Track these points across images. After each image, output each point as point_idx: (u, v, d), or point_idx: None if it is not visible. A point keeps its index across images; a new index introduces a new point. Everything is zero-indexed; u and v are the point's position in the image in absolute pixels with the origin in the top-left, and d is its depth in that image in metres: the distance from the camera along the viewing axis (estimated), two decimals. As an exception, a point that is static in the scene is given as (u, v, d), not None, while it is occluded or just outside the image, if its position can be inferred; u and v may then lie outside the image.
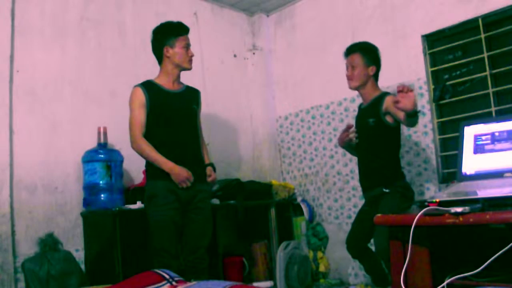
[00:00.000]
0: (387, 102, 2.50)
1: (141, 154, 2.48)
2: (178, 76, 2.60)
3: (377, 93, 2.65)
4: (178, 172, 2.41)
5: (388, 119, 2.55)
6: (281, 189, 3.85)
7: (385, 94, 2.60)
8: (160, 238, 2.42)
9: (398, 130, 2.62)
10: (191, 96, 2.64)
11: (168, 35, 2.53)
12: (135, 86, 2.53)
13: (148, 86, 2.52)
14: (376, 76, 2.69)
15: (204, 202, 2.56)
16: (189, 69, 2.59)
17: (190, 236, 2.50)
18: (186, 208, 2.49)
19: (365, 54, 2.65)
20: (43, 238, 2.72)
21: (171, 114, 2.51)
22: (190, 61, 2.58)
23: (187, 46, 2.55)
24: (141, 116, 2.47)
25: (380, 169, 2.60)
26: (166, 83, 2.55)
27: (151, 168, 2.50)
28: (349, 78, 2.69)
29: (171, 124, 2.50)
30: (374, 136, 2.62)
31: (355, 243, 2.71)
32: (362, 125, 2.70)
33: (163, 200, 2.42)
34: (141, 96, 2.48)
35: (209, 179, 2.61)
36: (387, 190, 2.54)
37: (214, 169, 2.68)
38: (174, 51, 2.52)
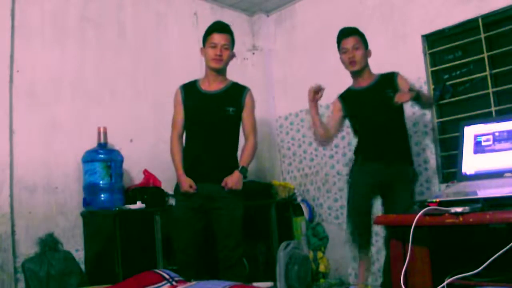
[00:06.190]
0: (401, 82, 2.56)
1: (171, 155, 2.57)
2: (216, 76, 2.55)
3: (373, 78, 2.67)
4: (181, 181, 2.47)
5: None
6: (281, 189, 3.85)
7: (391, 73, 2.63)
8: (177, 238, 2.54)
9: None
10: (231, 96, 2.54)
11: (204, 37, 2.56)
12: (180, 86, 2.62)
13: (188, 86, 2.60)
14: None
15: (225, 202, 2.49)
16: (215, 68, 2.51)
17: (216, 237, 2.54)
18: (208, 209, 2.50)
19: (362, 37, 2.68)
20: (43, 238, 2.72)
21: (199, 116, 2.52)
22: (215, 60, 2.48)
23: (214, 45, 2.48)
24: (178, 116, 2.57)
25: (401, 143, 2.65)
26: (203, 83, 2.58)
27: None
28: (352, 60, 2.60)
29: (197, 125, 2.53)
30: (394, 108, 2.48)
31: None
32: (377, 100, 2.57)
33: (182, 200, 2.50)
34: (178, 96, 2.58)
35: (222, 184, 2.46)
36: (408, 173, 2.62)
37: (245, 175, 2.55)
38: (204, 51, 2.55)
